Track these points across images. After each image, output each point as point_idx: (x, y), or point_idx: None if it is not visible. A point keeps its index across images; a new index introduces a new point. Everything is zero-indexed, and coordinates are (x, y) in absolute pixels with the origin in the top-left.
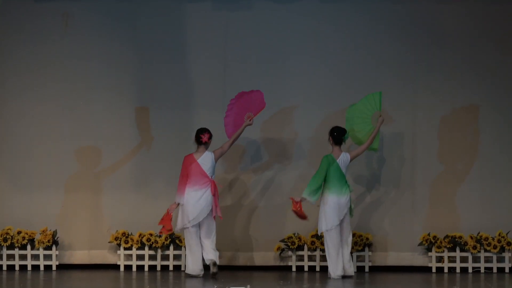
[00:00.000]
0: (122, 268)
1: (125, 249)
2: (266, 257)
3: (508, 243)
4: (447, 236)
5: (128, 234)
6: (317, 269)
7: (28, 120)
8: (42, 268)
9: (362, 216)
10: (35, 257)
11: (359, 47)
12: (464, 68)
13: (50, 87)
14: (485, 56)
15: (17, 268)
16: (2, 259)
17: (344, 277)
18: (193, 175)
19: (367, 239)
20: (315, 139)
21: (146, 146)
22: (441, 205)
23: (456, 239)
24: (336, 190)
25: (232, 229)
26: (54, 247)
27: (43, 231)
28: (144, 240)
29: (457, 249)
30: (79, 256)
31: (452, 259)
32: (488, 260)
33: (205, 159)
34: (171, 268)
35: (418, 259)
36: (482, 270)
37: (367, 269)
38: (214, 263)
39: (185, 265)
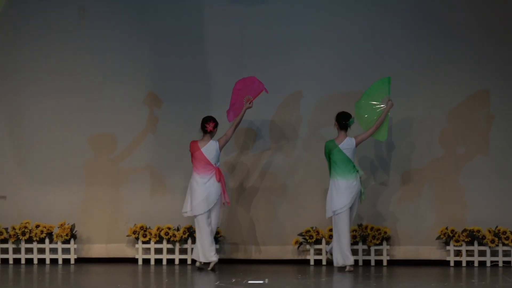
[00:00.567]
0: (140, 262)
1: (143, 242)
2: (284, 250)
3: None
4: (465, 230)
5: (146, 228)
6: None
7: (45, 112)
8: (60, 261)
9: (379, 210)
10: (53, 250)
11: (373, 38)
12: (477, 58)
13: (66, 79)
14: (499, 47)
15: (35, 261)
16: (20, 253)
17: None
18: (197, 162)
19: (385, 232)
20: (333, 129)
21: (162, 139)
22: (459, 199)
23: (474, 233)
24: (343, 174)
25: (249, 222)
26: (72, 241)
27: (61, 224)
28: (162, 233)
29: (475, 243)
30: (97, 250)
31: (470, 253)
32: (506, 254)
33: (209, 148)
34: (189, 261)
35: (435, 253)
36: (500, 264)
37: (385, 263)
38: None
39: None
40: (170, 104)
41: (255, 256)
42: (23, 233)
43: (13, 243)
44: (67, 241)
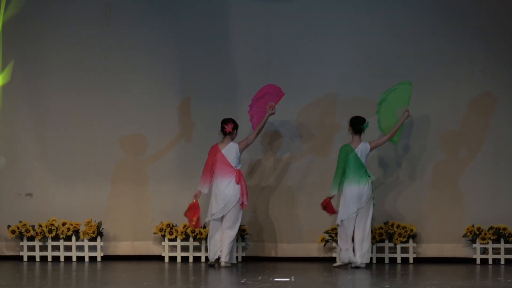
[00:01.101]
0: (166, 260)
1: (170, 240)
2: (309, 248)
3: None
4: (491, 228)
5: (173, 226)
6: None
7: (71, 111)
8: (87, 259)
9: (405, 208)
10: (80, 248)
11: (397, 37)
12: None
13: (92, 78)
14: None
15: (62, 259)
16: (47, 250)
17: (357, 267)
18: (218, 165)
19: (411, 230)
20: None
21: (187, 137)
22: (484, 196)
23: (501, 231)
24: (356, 180)
25: (273, 220)
26: (98, 238)
27: (88, 222)
28: (188, 231)
29: (502, 240)
30: (123, 248)
31: (496, 251)
32: None
33: (229, 150)
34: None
35: (461, 251)
36: None
37: (411, 261)
38: (219, 261)
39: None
40: (196, 101)
41: (280, 254)
42: (50, 231)
43: (39, 240)
44: (93, 239)
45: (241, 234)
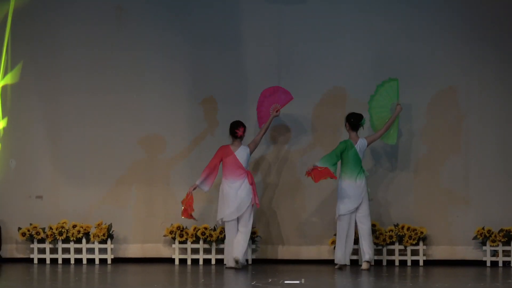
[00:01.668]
0: (176, 262)
1: (180, 242)
2: (320, 250)
3: None
4: (501, 230)
5: (183, 228)
6: (372, 262)
7: (82, 113)
8: (97, 261)
9: (415, 210)
10: (90, 250)
11: (409, 38)
12: None
13: (104, 80)
14: None
15: (72, 261)
16: (57, 253)
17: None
18: (229, 166)
19: (422, 232)
20: (367, 130)
21: (199, 139)
22: (494, 198)
23: (511, 233)
24: (353, 175)
25: (285, 222)
26: (109, 241)
27: (98, 224)
28: (198, 233)
29: None
30: (133, 250)
31: (506, 253)
32: None
33: (241, 152)
34: (225, 261)
35: (471, 253)
36: None
37: (421, 263)
38: (237, 261)
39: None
40: (208, 102)
41: (291, 256)
42: (60, 233)
43: (50, 243)
44: (104, 241)
45: (252, 237)
